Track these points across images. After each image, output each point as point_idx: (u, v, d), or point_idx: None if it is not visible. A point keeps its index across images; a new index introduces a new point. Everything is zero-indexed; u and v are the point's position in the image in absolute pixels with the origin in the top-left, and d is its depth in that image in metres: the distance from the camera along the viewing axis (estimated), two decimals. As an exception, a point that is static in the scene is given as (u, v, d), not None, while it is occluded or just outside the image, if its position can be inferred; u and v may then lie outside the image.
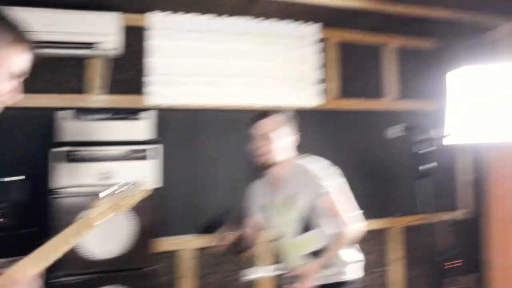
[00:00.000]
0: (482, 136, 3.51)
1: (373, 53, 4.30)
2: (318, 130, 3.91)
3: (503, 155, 4.17)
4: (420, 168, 2.33)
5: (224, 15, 3.66)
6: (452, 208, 4.46)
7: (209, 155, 3.64)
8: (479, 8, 3.81)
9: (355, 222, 2.32)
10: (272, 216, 2.50)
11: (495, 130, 3.48)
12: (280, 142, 2.41)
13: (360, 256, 2.51)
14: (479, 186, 4.42)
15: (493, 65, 3.47)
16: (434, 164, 2.34)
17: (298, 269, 2.23)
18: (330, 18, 3.82)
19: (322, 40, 3.98)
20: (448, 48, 4.41)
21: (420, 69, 4.44)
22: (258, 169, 2.48)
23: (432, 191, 2.42)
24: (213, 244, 2.46)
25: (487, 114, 3.44)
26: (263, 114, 2.47)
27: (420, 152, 2.39)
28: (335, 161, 2.49)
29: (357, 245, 2.52)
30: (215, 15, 3.64)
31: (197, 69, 3.58)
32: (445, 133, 3.11)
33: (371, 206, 3.95)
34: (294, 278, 2.21)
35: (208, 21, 3.62)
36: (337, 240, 2.29)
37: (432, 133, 2.45)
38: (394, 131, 2.49)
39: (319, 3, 3.42)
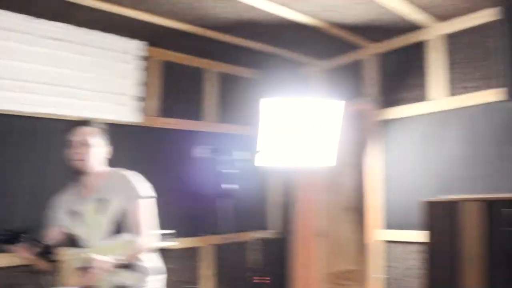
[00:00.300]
0: (289, 160, 3.83)
1: (196, 76, 4.44)
2: (136, 147, 3.87)
3: (307, 179, 4.61)
4: (223, 187, 2.46)
5: (43, 18, 3.42)
6: (263, 227, 4.76)
7: (12, 165, 3.33)
8: (294, 47, 4.22)
9: (150, 237, 2.43)
10: (82, 222, 2.45)
11: (300, 156, 3.83)
12: (97, 150, 2.45)
13: (163, 268, 2.56)
14: (287, 207, 4.79)
15: (302, 98, 3.83)
16: (235, 186, 2.48)
17: (92, 258, 2.20)
18: (155, 37, 3.84)
19: (146, 57, 3.97)
20: (266, 78, 4.77)
21: (240, 95, 4.72)
22: (73, 174, 2.46)
23: (233, 211, 2.55)
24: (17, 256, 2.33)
25: (294, 141, 3.78)
26: (82, 121, 2.49)
27: (224, 172, 2.52)
28: (150, 178, 2.52)
29: (161, 258, 2.56)
30: (32, 16, 3.37)
31: (5, 71, 3.27)
32: (254, 156, 3.32)
33: (184, 224, 4.04)
34: (88, 265, 2.18)
35: (23, 21, 3.34)
36: (132, 249, 2.35)
37: (237, 155, 2.60)
38: (201, 151, 2.58)
39: (141, 17, 3.43)
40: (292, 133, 3.78)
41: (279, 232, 4.81)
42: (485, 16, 3.36)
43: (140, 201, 2.41)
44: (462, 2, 3.28)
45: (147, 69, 4.00)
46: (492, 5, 3.24)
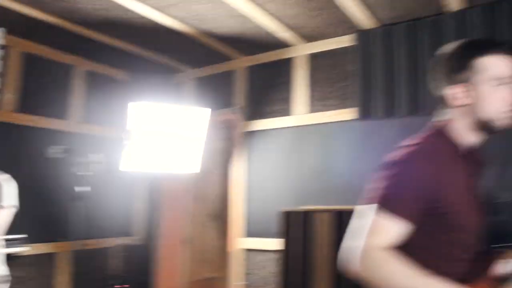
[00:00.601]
0: (155, 166, 3.80)
1: (62, 73, 4.19)
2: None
3: (172, 186, 4.59)
4: (76, 190, 2.37)
5: None
6: (127, 233, 4.62)
7: None
8: (166, 52, 4.20)
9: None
10: None
11: (166, 162, 3.82)
12: None
13: (8, 277, 2.43)
14: (152, 213, 4.71)
15: (171, 104, 3.83)
16: (88, 188, 2.40)
17: None
18: (16, 26, 3.56)
19: (4, 46, 3.66)
20: (136, 81, 4.67)
21: (108, 96, 4.55)
22: None
23: (89, 215, 2.46)
24: None
25: (160, 146, 3.76)
26: None
27: (78, 174, 2.43)
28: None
29: (10, 266, 2.42)
30: None
31: None
32: (116, 160, 3.24)
33: (38, 228, 3.78)
34: None
35: None
36: None
37: (92, 157, 2.51)
38: (54, 151, 2.46)
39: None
40: (159, 139, 3.75)
41: (143, 238, 4.71)
42: (345, 41, 3.66)
43: (4, 208, 2.37)
44: (324, 26, 3.54)
45: (4, 59, 3.68)
46: (350, 32, 3.55)
